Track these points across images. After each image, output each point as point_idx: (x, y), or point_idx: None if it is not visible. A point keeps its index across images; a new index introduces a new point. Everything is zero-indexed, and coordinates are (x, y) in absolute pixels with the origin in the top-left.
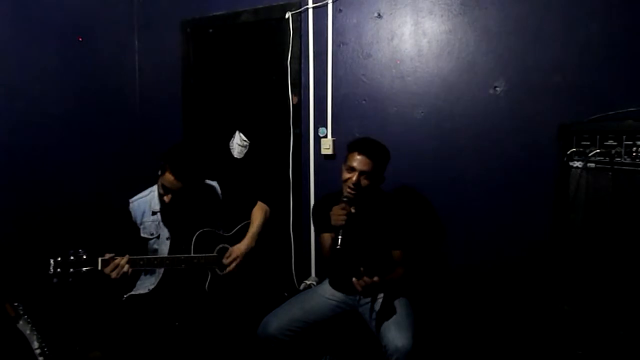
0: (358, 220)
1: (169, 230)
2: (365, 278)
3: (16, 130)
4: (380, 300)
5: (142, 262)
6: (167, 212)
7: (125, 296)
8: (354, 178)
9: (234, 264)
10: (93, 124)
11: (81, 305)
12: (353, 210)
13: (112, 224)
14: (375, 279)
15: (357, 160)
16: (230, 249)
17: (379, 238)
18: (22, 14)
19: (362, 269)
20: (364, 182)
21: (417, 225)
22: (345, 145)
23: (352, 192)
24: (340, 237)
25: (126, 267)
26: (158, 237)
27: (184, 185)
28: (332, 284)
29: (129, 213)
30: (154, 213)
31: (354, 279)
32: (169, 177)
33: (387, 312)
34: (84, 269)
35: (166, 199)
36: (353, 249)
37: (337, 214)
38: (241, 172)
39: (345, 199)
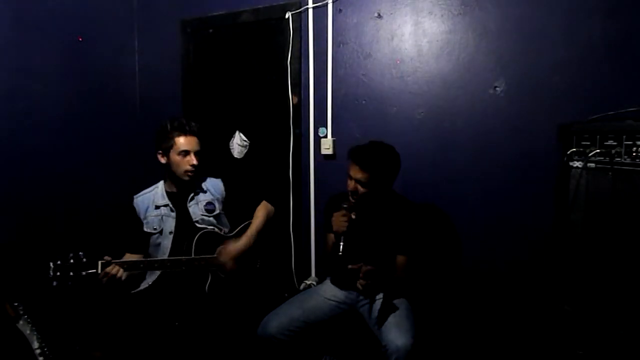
0: (360, 225)
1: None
2: (363, 267)
3: (16, 131)
4: (380, 301)
5: (142, 265)
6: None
7: (135, 291)
8: (352, 186)
9: (228, 261)
10: (93, 124)
11: (81, 305)
12: (354, 217)
13: (117, 219)
14: (370, 267)
15: (354, 170)
16: (225, 245)
17: (381, 243)
18: (22, 14)
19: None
20: (361, 190)
21: (424, 231)
22: (346, 147)
23: (352, 199)
24: (342, 243)
25: (120, 271)
26: (161, 232)
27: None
28: (333, 282)
29: (133, 208)
30: (157, 207)
31: (358, 281)
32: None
33: (387, 312)
34: (83, 272)
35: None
36: (355, 253)
37: (339, 221)
38: (244, 172)
39: (345, 206)
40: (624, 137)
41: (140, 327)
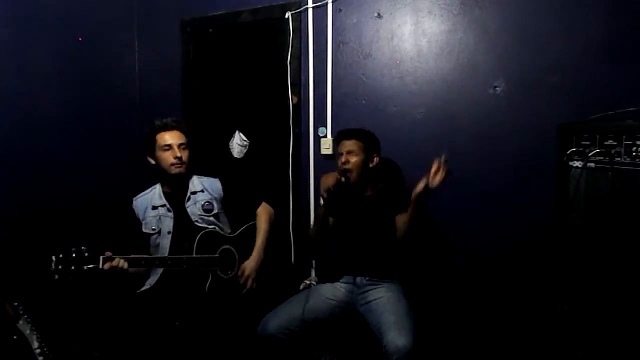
0: (356, 200)
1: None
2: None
3: (16, 130)
4: (379, 300)
5: (143, 261)
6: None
7: (136, 292)
8: (343, 159)
9: (250, 282)
10: (93, 124)
11: (81, 305)
12: (343, 180)
13: (117, 222)
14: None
15: (342, 145)
16: (242, 266)
17: (377, 218)
18: (21, 14)
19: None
20: (353, 159)
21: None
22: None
23: (345, 168)
24: (325, 195)
25: (122, 262)
26: (159, 232)
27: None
28: (330, 277)
29: (133, 211)
30: (154, 208)
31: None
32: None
33: (387, 312)
34: (85, 267)
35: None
36: (348, 230)
37: (328, 178)
38: (244, 172)
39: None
40: (624, 137)
41: (140, 327)
